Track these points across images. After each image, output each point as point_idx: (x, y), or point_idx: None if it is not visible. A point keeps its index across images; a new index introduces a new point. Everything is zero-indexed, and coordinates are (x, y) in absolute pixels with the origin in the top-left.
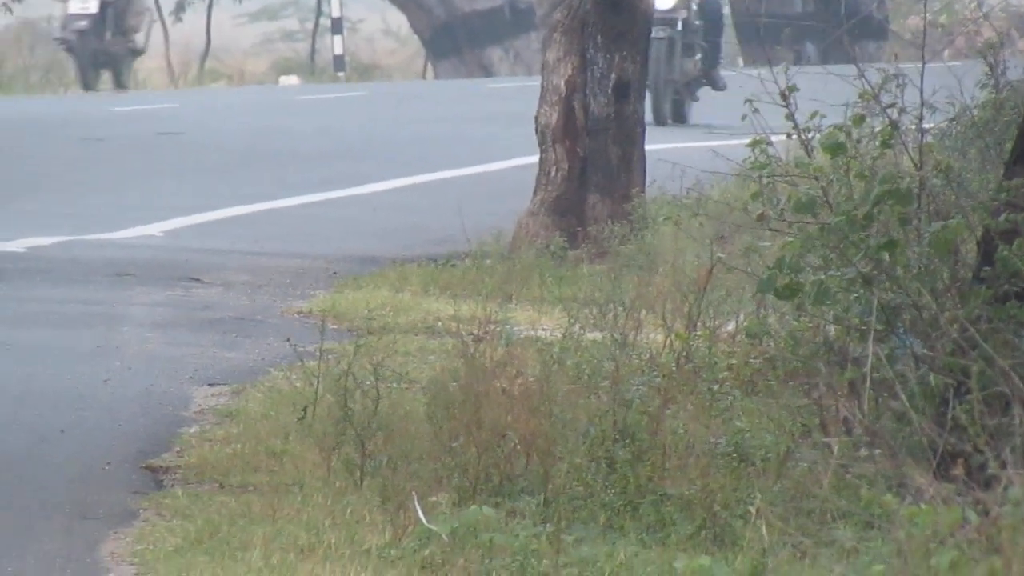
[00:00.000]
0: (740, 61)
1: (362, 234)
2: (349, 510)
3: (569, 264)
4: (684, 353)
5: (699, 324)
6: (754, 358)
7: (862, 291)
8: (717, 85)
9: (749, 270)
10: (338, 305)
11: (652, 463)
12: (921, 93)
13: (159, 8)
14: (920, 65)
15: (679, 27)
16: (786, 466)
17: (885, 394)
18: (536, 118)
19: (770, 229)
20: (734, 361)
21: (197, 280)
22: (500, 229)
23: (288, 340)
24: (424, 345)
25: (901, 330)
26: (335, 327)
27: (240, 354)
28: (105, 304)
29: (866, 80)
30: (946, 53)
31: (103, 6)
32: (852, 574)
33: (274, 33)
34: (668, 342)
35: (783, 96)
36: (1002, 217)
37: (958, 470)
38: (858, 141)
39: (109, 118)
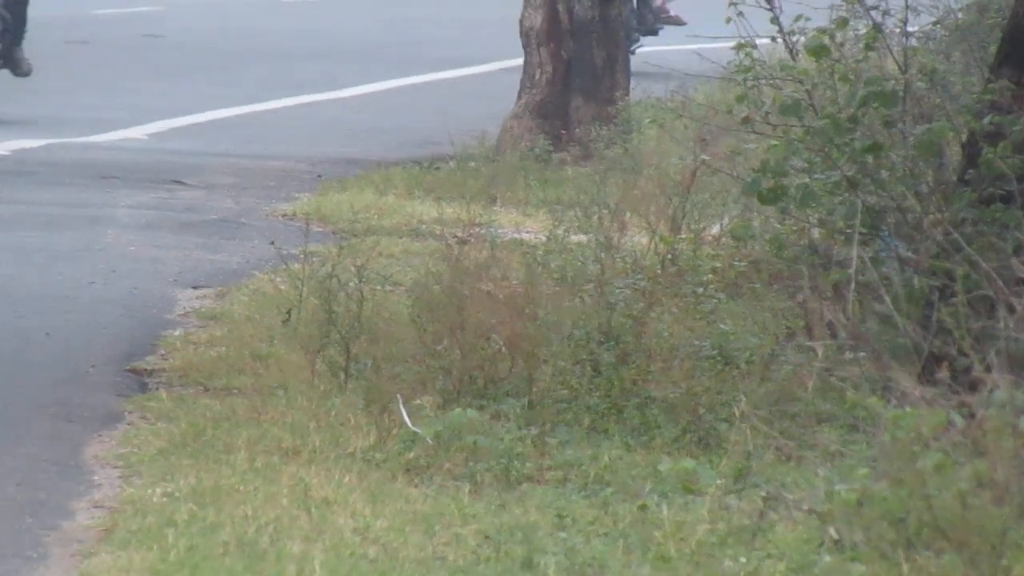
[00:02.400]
0: None
1: (346, 136)
2: (333, 413)
3: (554, 167)
4: (669, 256)
5: (684, 227)
6: (738, 261)
7: (847, 194)
8: (20, 68)
9: (734, 173)
10: (322, 207)
11: (636, 366)
12: None
13: None
14: None
15: None
16: (770, 369)
17: (870, 297)
18: (520, 21)
19: (754, 132)
20: (718, 264)
21: (181, 182)
22: (484, 131)
23: (272, 243)
24: (408, 247)
25: (886, 233)
26: (319, 229)
27: (224, 256)
28: (89, 206)
29: None
30: None
31: None
32: (837, 477)
33: None
34: (653, 244)
35: None
36: (986, 119)
37: (943, 373)
38: (842, 44)
39: (92, 20)
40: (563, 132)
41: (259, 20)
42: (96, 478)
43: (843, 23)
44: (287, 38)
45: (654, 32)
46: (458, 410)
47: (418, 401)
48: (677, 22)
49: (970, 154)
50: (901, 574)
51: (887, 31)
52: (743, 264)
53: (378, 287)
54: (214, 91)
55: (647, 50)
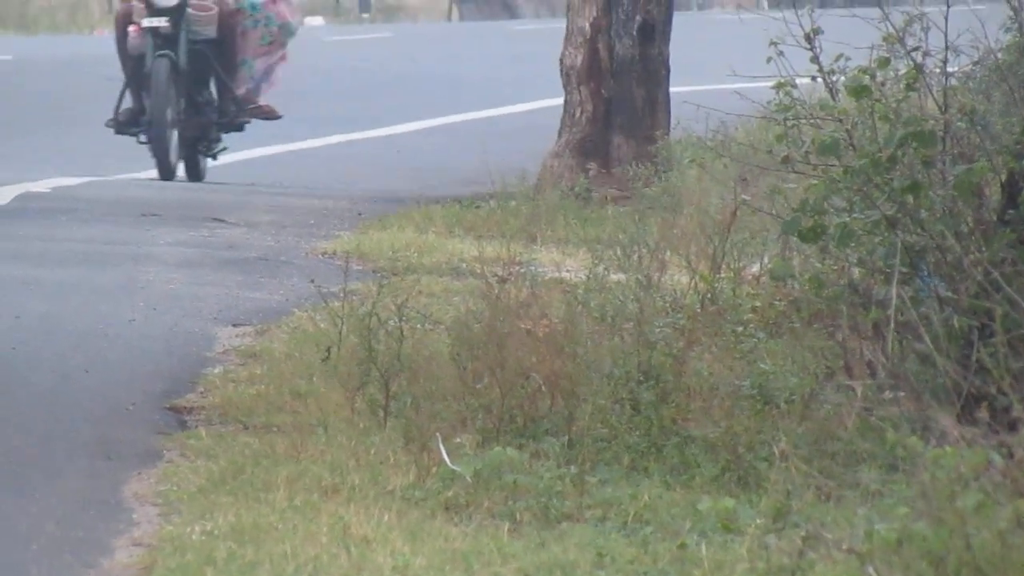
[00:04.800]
0: (764, 3)
1: (387, 175)
2: (373, 451)
3: (594, 205)
4: (708, 294)
5: (723, 266)
6: (778, 300)
7: (886, 233)
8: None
9: (774, 212)
10: (363, 245)
11: (676, 405)
12: (945, 36)
13: None
14: (944, 8)
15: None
16: (810, 408)
17: (909, 336)
18: (561, 60)
19: (794, 171)
20: (758, 303)
21: (221, 220)
22: (525, 170)
23: (312, 280)
24: (448, 286)
25: (925, 272)
26: (359, 267)
27: (264, 294)
28: (130, 244)
29: (890, 23)
30: None
31: None
32: (876, 516)
33: None
34: (693, 283)
35: (808, 38)
36: None
37: (982, 412)
38: (882, 84)
39: None
40: (603, 170)
41: (299, 58)
42: (135, 516)
43: (884, 63)
44: (328, 76)
45: (239, 127)
46: (498, 448)
47: (458, 439)
48: (269, 115)
49: (1010, 194)
50: None
51: (927, 71)
52: (783, 303)
53: (418, 325)
54: (255, 129)
55: (686, 89)
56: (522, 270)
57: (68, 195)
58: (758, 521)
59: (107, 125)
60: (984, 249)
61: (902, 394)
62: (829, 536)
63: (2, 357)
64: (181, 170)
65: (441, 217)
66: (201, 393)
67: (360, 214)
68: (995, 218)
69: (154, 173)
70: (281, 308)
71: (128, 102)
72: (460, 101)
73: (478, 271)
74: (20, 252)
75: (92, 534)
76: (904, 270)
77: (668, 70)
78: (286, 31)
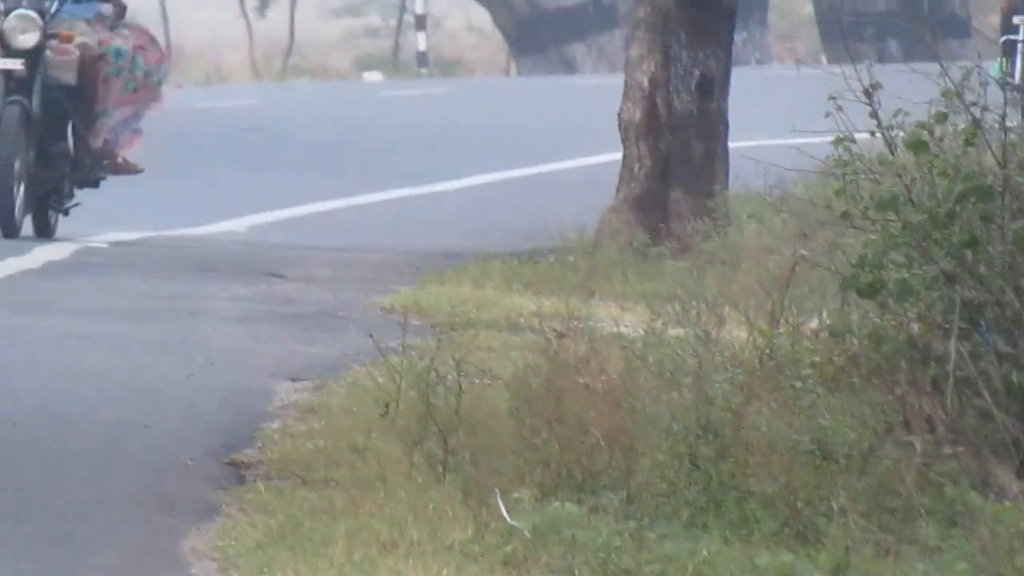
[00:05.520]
0: (823, 58)
1: (445, 229)
2: (431, 506)
3: (652, 260)
4: (767, 350)
5: (782, 321)
6: (837, 355)
7: (945, 288)
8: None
9: (832, 267)
10: (421, 300)
11: (735, 460)
12: (1004, 90)
13: (243, 3)
14: None
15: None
16: (869, 463)
17: (968, 391)
18: (619, 114)
19: (853, 226)
20: (817, 358)
21: (280, 275)
22: (583, 225)
23: (370, 335)
24: (507, 341)
25: (984, 327)
26: (417, 322)
27: (322, 349)
28: (188, 299)
29: (949, 78)
30: None
31: None
32: (936, 572)
33: (357, 29)
34: (751, 338)
35: (866, 93)
36: None
37: None
38: (941, 139)
39: (192, 113)
40: (662, 225)
41: (357, 113)
42: (194, 570)
43: (942, 118)
44: (385, 131)
45: (94, 183)
46: (556, 503)
47: (516, 494)
48: (128, 170)
49: None
50: None
51: (986, 126)
52: (842, 358)
53: (476, 380)
54: (312, 184)
55: (745, 144)
56: (580, 325)
57: (126, 250)
58: None
59: None
60: None
61: (961, 449)
62: None
63: (60, 411)
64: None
65: (499, 272)
66: (259, 448)
67: (418, 269)
68: None
69: (212, 228)
70: (339, 363)
71: None
72: (518, 156)
73: (536, 326)
74: (78, 306)
75: None
76: (963, 325)
77: (726, 125)
78: (153, 77)
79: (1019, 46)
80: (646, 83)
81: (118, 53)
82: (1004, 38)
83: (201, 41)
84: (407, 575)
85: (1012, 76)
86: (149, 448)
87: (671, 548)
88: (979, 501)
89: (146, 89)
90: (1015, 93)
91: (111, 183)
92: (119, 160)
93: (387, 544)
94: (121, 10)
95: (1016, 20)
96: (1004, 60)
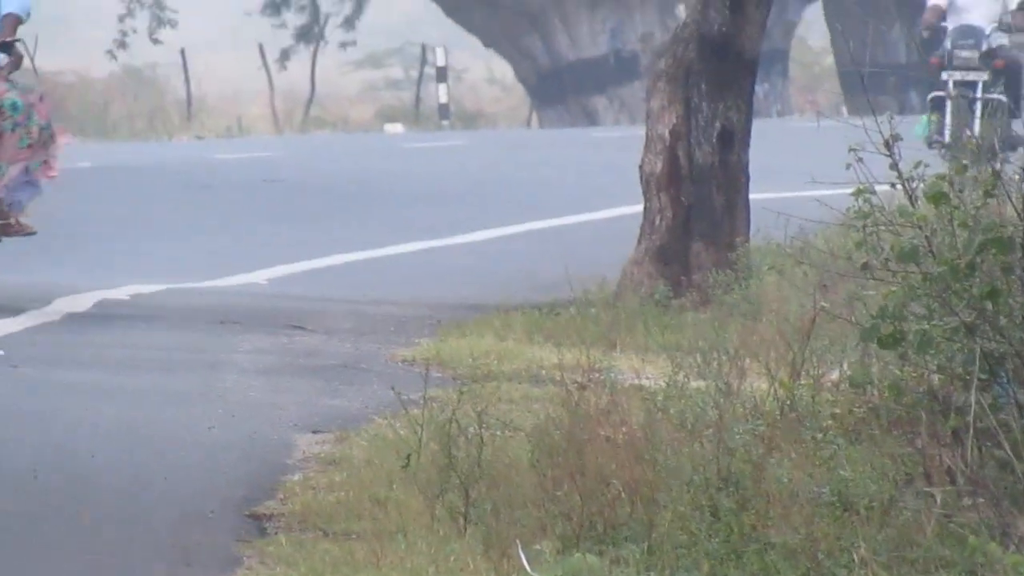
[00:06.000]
0: (844, 110)
1: (466, 281)
2: (453, 557)
3: (673, 312)
4: (788, 401)
5: (803, 372)
6: (858, 407)
7: (965, 340)
8: None
9: (853, 319)
10: (442, 352)
11: (756, 511)
12: (931, 149)
13: (263, 56)
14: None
15: None
16: (890, 515)
17: (988, 443)
18: (641, 166)
19: (873, 278)
20: (838, 410)
21: (301, 327)
22: (605, 277)
23: (392, 387)
24: (528, 393)
25: (1004, 379)
26: (439, 374)
27: (344, 401)
28: (209, 351)
29: (969, 129)
30: None
31: None
32: None
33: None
34: (772, 390)
35: (887, 145)
36: None
37: None
38: (961, 190)
39: (213, 164)
40: (683, 277)
41: (378, 165)
42: None
43: (962, 169)
44: (406, 183)
45: None
46: (578, 555)
47: (538, 546)
48: (21, 231)
49: None
50: None
51: (1006, 177)
52: (862, 410)
53: (498, 432)
54: (333, 236)
55: (766, 196)
56: (602, 377)
57: (147, 302)
58: None
59: None
60: None
61: (981, 500)
62: None
63: (81, 463)
64: None
65: (521, 324)
66: (281, 500)
67: (439, 321)
68: None
69: (232, 280)
70: (361, 415)
71: None
72: (539, 208)
73: (558, 378)
74: (99, 359)
75: None
76: (983, 377)
77: (748, 177)
78: (47, 132)
79: (948, 103)
80: (667, 135)
81: (14, 107)
82: (933, 94)
83: (222, 93)
84: None
85: (941, 134)
86: (170, 500)
87: None
88: (999, 552)
89: (40, 145)
90: (944, 151)
91: (130, 235)
92: (11, 221)
93: None
94: (17, 60)
95: (945, 76)
96: (932, 117)
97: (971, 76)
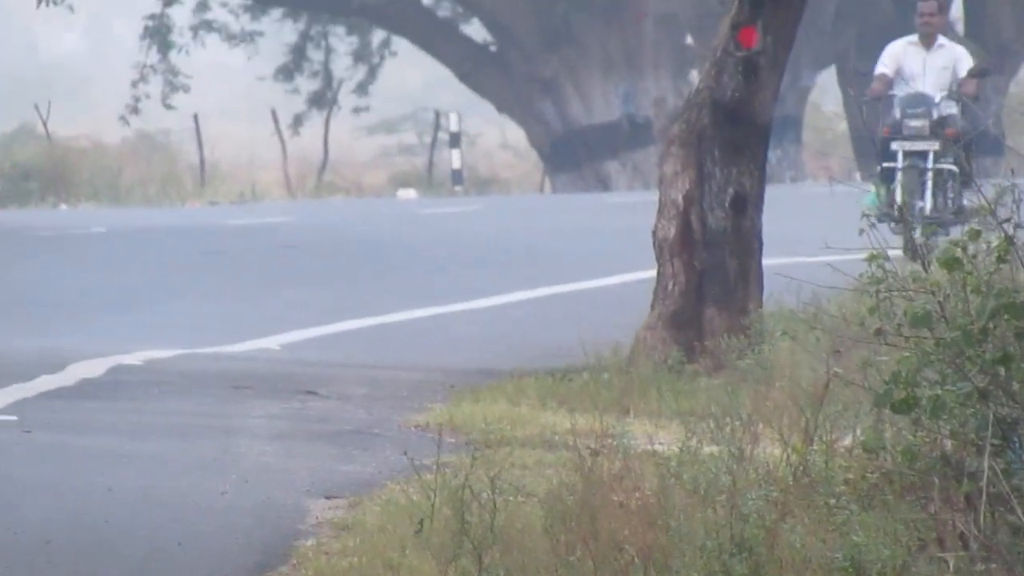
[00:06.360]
0: (857, 175)
1: (480, 347)
2: None
3: (687, 377)
4: (801, 467)
5: (816, 438)
6: (871, 472)
7: (978, 405)
8: None
9: (866, 384)
10: (455, 418)
11: None
12: (881, 223)
13: (276, 121)
14: None
15: None
16: None
17: (1001, 508)
18: (654, 231)
19: (886, 343)
20: (851, 475)
21: (314, 393)
22: (618, 342)
23: (405, 453)
24: (541, 458)
25: (1017, 444)
26: (452, 440)
27: (357, 466)
28: (222, 416)
29: (982, 195)
30: None
31: None
32: None
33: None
34: (785, 456)
35: (899, 211)
36: None
37: None
38: (974, 256)
39: (226, 230)
40: (696, 343)
41: (392, 230)
42: None
43: (975, 235)
44: (420, 249)
45: None
46: None
47: None
48: None
49: None
50: None
51: (1019, 243)
52: (875, 475)
53: (511, 497)
54: (347, 301)
55: (779, 261)
56: (615, 442)
57: (160, 367)
58: None
59: None
60: None
61: (995, 566)
62: None
63: (95, 529)
64: None
65: (534, 389)
66: (294, 566)
67: (452, 386)
68: None
69: (246, 346)
70: (374, 480)
71: None
72: (553, 273)
73: (571, 443)
74: (113, 424)
75: None
76: (996, 442)
77: (761, 242)
78: None
79: (898, 174)
80: (680, 200)
81: None
82: (882, 165)
83: (236, 159)
84: None
85: (891, 206)
86: (184, 567)
87: None
88: None
89: None
90: (895, 225)
91: (143, 301)
92: None
93: None
94: None
95: (895, 146)
96: (880, 189)
97: (921, 146)
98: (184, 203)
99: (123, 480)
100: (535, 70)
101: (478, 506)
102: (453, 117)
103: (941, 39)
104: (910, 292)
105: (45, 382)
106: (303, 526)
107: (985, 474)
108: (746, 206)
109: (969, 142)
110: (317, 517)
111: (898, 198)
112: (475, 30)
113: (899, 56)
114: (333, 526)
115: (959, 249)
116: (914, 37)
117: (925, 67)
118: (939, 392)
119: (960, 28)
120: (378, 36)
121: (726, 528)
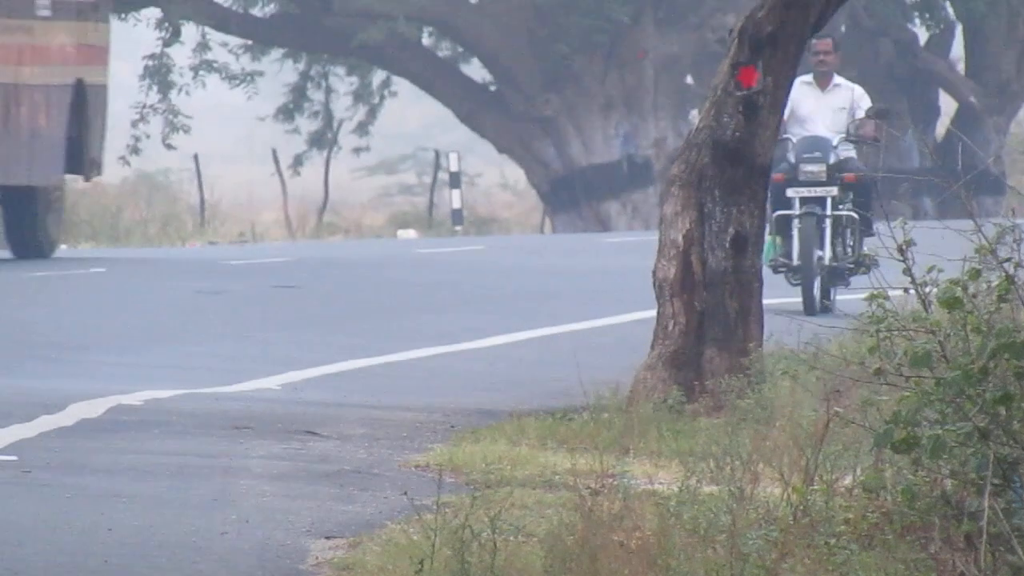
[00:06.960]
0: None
1: (480, 387)
2: None
3: (687, 417)
4: (801, 507)
5: (816, 478)
6: (871, 512)
7: (979, 445)
8: None
9: (866, 424)
10: (455, 458)
11: None
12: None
13: (277, 161)
14: None
15: None
16: None
17: (1002, 548)
18: (654, 272)
19: (887, 383)
20: (851, 515)
21: (314, 433)
22: (618, 382)
23: (405, 493)
24: (541, 498)
25: (1018, 484)
26: (452, 480)
27: (357, 507)
28: (222, 457)
29: (983, 234)
30: None
31: None
32: None
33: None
34: (785, 495)
35: (900, 250)
36: None
37: None
38: (975, 295)
39: (226, 270)
40: (696, 383)
41: (391, 271)
42: None
43: (976, 274)
44: (419, 289)
45: None
46: None
47: None
48: None
49: None
50: None
51: (1020, 282)
52: (875, 515)
53: (511, 538)
54: (346, 341)
55: (778, 301)
56: (615, 482)
57: (160, 407)
58: None
59: None
60: None
61: None
62: None
63: (94, 570)
64: None
65: (534, 429)
66: None
67: (452, 427)
68: None
69: (245, 386)
70: (374, 521)
71: None
72: (552, 313)
73: (571, 484)
74: (112, 465)
75: None
76: (996, 482)
77: (761, 282)
78: None
79: (795, 222)
80: (681, 240)
81: None
82: (777, 213)
83: (235, 199)
84: None
85: (788, 256)
86: None
87: None
88: None
89: None
90: (790, 275)
91: (143, 341)
92: None
93: None
94: None
95: (791, 193)
96: (777, 238)
97: (819, 192)
98: (184, 243)
99: (123, 520)
100: (535, 110)
101: (478, 546)
102: (453, 157)
103: (837, 78)
104: (910, 332)
105: (45, 422)
106: (303, 566)
107: (985, 514)
108: (746, 246)
109: (869, 187)
110: (317, 557)
111: (795, 248)
112: (475, 70)
113: (793, 97)
114: (333, 566)
115: (959, 289)
116: (808, 77)
117: (820, 108)
118: (939, 432)
119: (961, 68)
120: (378, 76)
121: (726, 568)
